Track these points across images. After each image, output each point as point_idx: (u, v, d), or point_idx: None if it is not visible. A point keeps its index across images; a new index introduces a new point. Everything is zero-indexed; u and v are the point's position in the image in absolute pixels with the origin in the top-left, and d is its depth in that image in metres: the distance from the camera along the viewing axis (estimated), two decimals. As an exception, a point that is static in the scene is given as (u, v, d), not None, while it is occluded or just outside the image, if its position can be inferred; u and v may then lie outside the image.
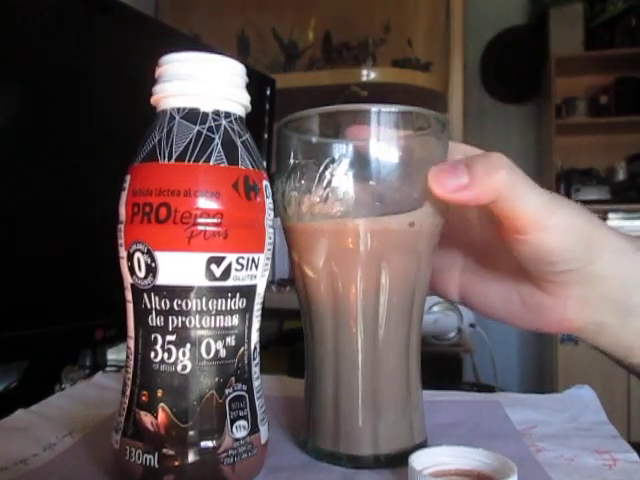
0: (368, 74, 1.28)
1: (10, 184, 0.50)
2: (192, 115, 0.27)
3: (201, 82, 0.27)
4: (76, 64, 0.55)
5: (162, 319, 0.26)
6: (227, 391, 0.27)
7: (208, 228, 0.26)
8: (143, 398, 0.27)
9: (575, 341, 2.54)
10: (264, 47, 1.40)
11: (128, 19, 0.62)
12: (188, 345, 0.26)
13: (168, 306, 0.26)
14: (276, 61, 1.39)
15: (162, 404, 0.26)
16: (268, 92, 0.84)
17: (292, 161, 0.33)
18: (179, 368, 0.26)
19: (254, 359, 0.29)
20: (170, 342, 0.26)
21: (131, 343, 0.28)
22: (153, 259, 0.26)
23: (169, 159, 0.26)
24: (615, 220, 2.60)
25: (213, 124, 0.27)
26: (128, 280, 0.27)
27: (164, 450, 0.26)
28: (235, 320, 0.27)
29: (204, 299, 0.26)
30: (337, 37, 1.40)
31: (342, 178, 0.31)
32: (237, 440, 0.27)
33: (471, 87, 1.48)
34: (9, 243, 0.50)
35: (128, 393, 0.27)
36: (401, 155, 0.31)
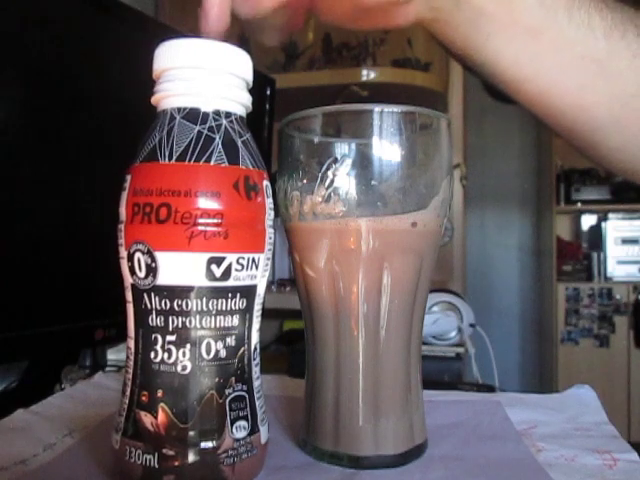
0: (368, 74, 1.28)
1: (10, 184, 0.50)
2: (193, 115, 0.27)
3: (202, 82, 0.27)
4: (76, 64, 0.55)
5: (162, 319, 0.26)
6: (227, 391, 0.27)
7: (208, 228, 0.26)
8: (143, 398, 0.27)
9: (575, 341, 2.54)
10: (264, 47, 1.40)
11: (128, 19, 0.62)
12: (188, 345, 0.26)
13: (168, 306, 0.26)
14: (276, 61, 1.39)
15: (162, 404, 0.26)
16: (268, 92, 0.84)
17: (294, 161, 0.33)
18: (179, 368, 0.26)
19: (254, 359, 0.29)
20: (170, 342, 0.26)
21: (131, 343, 0.28)
22: (153, 259, 0.26)
23: (170, 159, 0.26)
24: (615, 220, 2.60)
25: (214, 124, 0.27)
26: (128, 280, 0.27)
27: (164, 450, 0.26)
28: (235, 320, 0.27)
29: (204, 299, 0.26)
30: (337, 37, 1.40)
31: (344, 178, 0.31)
32: (237, 440, 0.27)
33: (471, 87, 1.48)
34: (9, 243, 0.50)
35: (128, 393, 0.27)
36: (403, 155, 0.31)
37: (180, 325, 0.26)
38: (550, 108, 0.41)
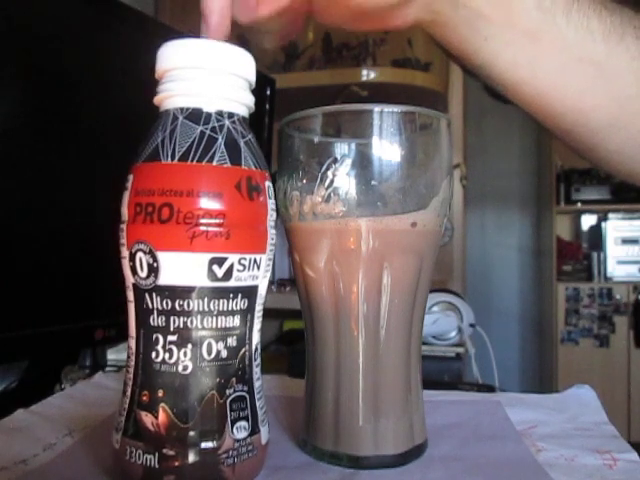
0: (368, 74, 1.28)
1: (11, 184, 0.50)
2: (195, 115, 0.27)
3: (205, 82, 0.27)
4: (76, 64, 0.55)
5: (163, 319, 0.26)
6: (228, 392, 0.27)
7: (210, 228, 0.26)
8: (144, 398, 0.27)
9: (575, 341, 2.54)
10: (264, 50, 1.40)
11: (128, 19, 0.62)
12: (189, 345, 0.26)
13: (170, 306, 0.26)
14: (276, 61, 1.39)
15: (163, 404, 0.26)
16: (268, 92, 0.84)
17: (294, 161, 0.33)
18: (180, 368, 0.26)
19: (255, 360, 0.29)
20: (171, 342, 0.26)
21: (132, 343, 0.28)
22: (155, 259, 0.26)
23: (172, 159, 0.26)
24: (615, 220, 2.60)
25: (216, 124, 0.27)
26: (130, 280, 0.27)
27: (164, 450, 0.26)
28: (236, 321, 0.27)
29: (206, 299, 0.26)
30: (337, 37, 1.40)
31: (344, 178, 0.31)
32: (237, 441, 0.27)
33: (471, 87, 1.48)
34: (9, 243, 0.50)
35: (129, 393, 0.27)
36: (403, 155, 0.31)
37: (181, 325, 0.26)
38: (548, 110, 0.41)
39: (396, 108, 0.31)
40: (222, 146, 0.27)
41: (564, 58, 0.38)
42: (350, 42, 1.40)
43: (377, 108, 0.31)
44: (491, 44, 0.38)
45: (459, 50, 0.40)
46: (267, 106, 0.83)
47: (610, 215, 2.61)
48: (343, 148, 0.31)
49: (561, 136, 0.44)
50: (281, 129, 0.34)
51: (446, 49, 0.41)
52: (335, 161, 0.31)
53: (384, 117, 0.31)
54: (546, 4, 0.37)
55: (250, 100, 0.29)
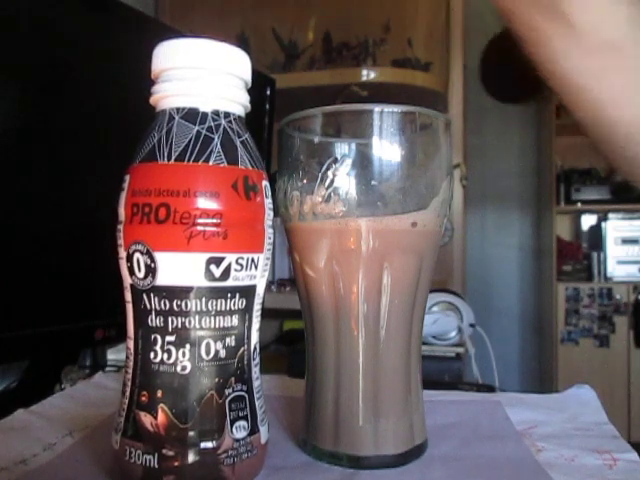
0: (368, 74, 1.28)
1: (10, 184, 0.50)
2: (191, 115, 0.27)
3: (200, 82, 0.27)
4: (76, 64, 0.55)
5: (162, 319, 0.26)
6: (227, 391, 0.27)
7: (207, 228, 0.26)
8: (143, 398, 0.27)
9: (575, 341, 2.54)
10: (264, 47, 1.40)
11: (128, 19, 0.62)
12: (188, 346, 0.26)
13: (168, 306, 0.26)
14: (276, 61, 1.39)
15: (162, 404, 0.26)
16: (268, 92, 0.84)
17: (294, 161, 0.33)
18: (179, 369, 0.26)
19: (254, 359, 0.29)
20: (170, 342, 0.26)
21: (131, 344, 0.28)
22: (152, 259, 0.26)
23: (168, 159, 0.26)
24: (615, 220, 2.60)
25: (212, 124, 0.27)
26: (127, 280, 0.27)
27: (164, 450, 0.26)
28: (235, 320, 0.27)
29: (204, 299, 0.26)
30: (337, 37, 1.40)
31: (344, 178, 0.31)
32: (237, 440, 0.27)
33: (471, 87, 1.48)
34: (9, 243, 0.50)
35: (128, 393, 0.27)
36: (403, 155, 0.31)
37: (179, 325, 0.26)
38: (602, 119, 0.39)
39: (396, 108, 0.31)
40: (218, 146, 0.27)
41: (635, 76, 0.37)
42: (350, 42, 1.40)
43: (377, 108, 0.31)
44: (565, 42, 0.37)
45: (527, 35, 0.38)
46: (267, 106, 0.83)
47: (610, 215, 2.61)
48: (343, 148, 0.31)
49: (605, 149, 0.43)
50: (281, 129, 0.34)
51: (507, 21, 0.38)
52: (335, 161, 0.31)
53: (384, 117, 0.31)
54: (638, 19, 0.36)
55: (246, 99, 0.29)
